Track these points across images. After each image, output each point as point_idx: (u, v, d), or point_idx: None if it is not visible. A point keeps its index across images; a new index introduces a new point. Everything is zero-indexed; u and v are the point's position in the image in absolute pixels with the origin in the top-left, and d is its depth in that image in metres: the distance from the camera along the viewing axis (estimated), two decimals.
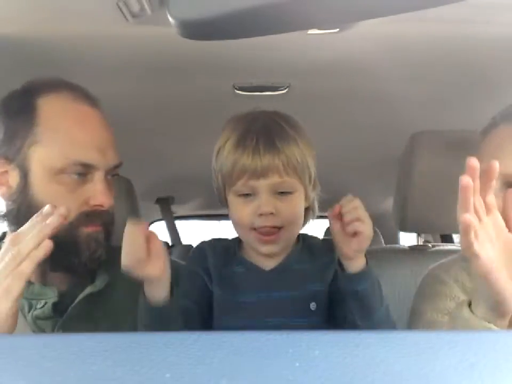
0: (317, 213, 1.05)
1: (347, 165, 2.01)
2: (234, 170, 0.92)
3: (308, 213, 1.02)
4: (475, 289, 0.75)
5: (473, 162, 0.67)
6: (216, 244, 1.03)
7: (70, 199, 0.86)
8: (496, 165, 0.68)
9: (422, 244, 1.51)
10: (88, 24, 0.93)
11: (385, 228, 2.31)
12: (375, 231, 2.24)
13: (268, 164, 0.90)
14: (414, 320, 1.00)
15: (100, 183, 0.89)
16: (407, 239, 2.44)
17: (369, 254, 1.32)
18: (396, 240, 2.50)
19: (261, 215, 0.92)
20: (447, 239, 1.98)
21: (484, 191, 0.69)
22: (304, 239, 1.03)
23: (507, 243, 0.71)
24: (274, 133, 0.93)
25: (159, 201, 2.62)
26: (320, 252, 1.00)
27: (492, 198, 0.71)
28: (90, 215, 0.88)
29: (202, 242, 1.05)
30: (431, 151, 1.22)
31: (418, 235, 1.98)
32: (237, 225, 0.97)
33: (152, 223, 3.01)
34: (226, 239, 1.04)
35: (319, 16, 0.60)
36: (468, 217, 0.66)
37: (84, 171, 0.88)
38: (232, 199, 0.96)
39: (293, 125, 0.97)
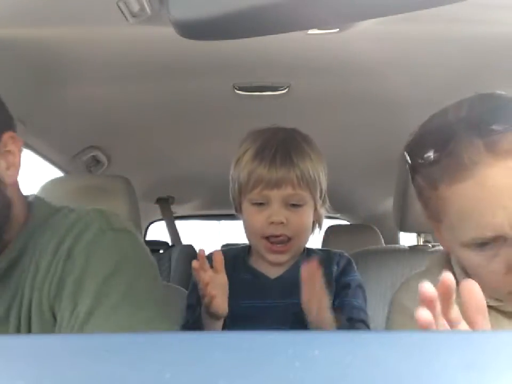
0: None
1: (347, 165, 2.01)
2: (250, 179, 0.97)
3: (314, 226, 1.06)
4: None
5: (429, 291, 0.49)
6: (226, 252, 1.06)
7: None
8: (450, 280, 0.50)
9: (422, 244, 1.51)
10: (88, 24, 0.93)
11: (385, 228, 2.31)
12: (375, 231, 2.26)
13: (283, 176, 0.95)
14: None
15: None
16: (407, 239, 2.44)
17: (369, 254, 1.32)
18: (396, 240, 2.50)
19: (271, 223, 0.97)
20: None
21: (445, 309, 0.52)
22: (309, 251, 1.07)
23: None
24: (291, 147, 0.98)
25: (159, 201, 2.62)
26: (321, 264, 1.03)
27: (455, 312, 0.53)
28: None
29: (210, 253, 1.10)
30: None
31: (418, 235, 1.98)
32: (249, 232, 1.03)
33: (152, 223, 3.01)
34: (236, 248, 1.10)
35: (319, 16, 0.60)
36: None
37: None
38: (246, 207, 1.01)
39: (308, 141, 1.01)
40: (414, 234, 2.04)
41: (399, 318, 0.80)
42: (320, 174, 1.00)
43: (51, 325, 0.70)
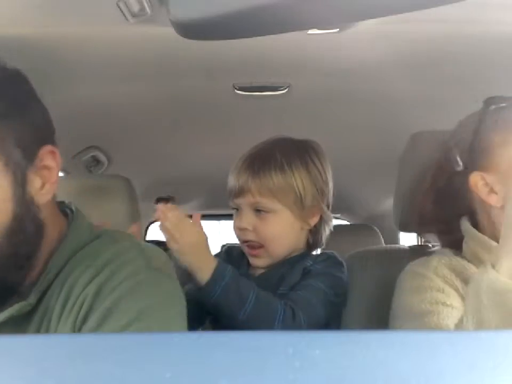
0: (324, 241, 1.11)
1: (347, 165, 2.01)
2: (227, 188, 1.07)
3: (315, 237, 1.08)
4: (500, 247, 0.70)
5: None
6: (233, 249, 1.16)
7: None
8: None
9: (422, 243, 1.51)
10: (88, 24, 0.93)
11: (385, 228, 2.31)
12: (375, 231, 2.26)
13: (243, 184, 1.02)
14: (401, 316, 0.90)
15: None
16: (407, 239, 2.44)
17: (369, 254, 1.32)
18: (396, 240, 2.49)
19: (239, 229, 1.05)
20: None
21: None
22: (301, 255, 1.08)
23: None
24: (261, 158, 1.03)
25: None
26: (295, 265, 1.06)
27: None
28: None
29: (222, 246, 1.21)
30: (431, 151, 1.22)
31: (419, 235, 1.98)
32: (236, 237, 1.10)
33: (152, 223, 3.01)
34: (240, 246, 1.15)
35: (319, 16, 0.60)
36: None
37: None
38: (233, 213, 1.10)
39: (290, 153, 1.04)
40: (414, 234, 2.04)
41: (408, 282, 0.90)
42: (299, 184, 1.02)
43: None
